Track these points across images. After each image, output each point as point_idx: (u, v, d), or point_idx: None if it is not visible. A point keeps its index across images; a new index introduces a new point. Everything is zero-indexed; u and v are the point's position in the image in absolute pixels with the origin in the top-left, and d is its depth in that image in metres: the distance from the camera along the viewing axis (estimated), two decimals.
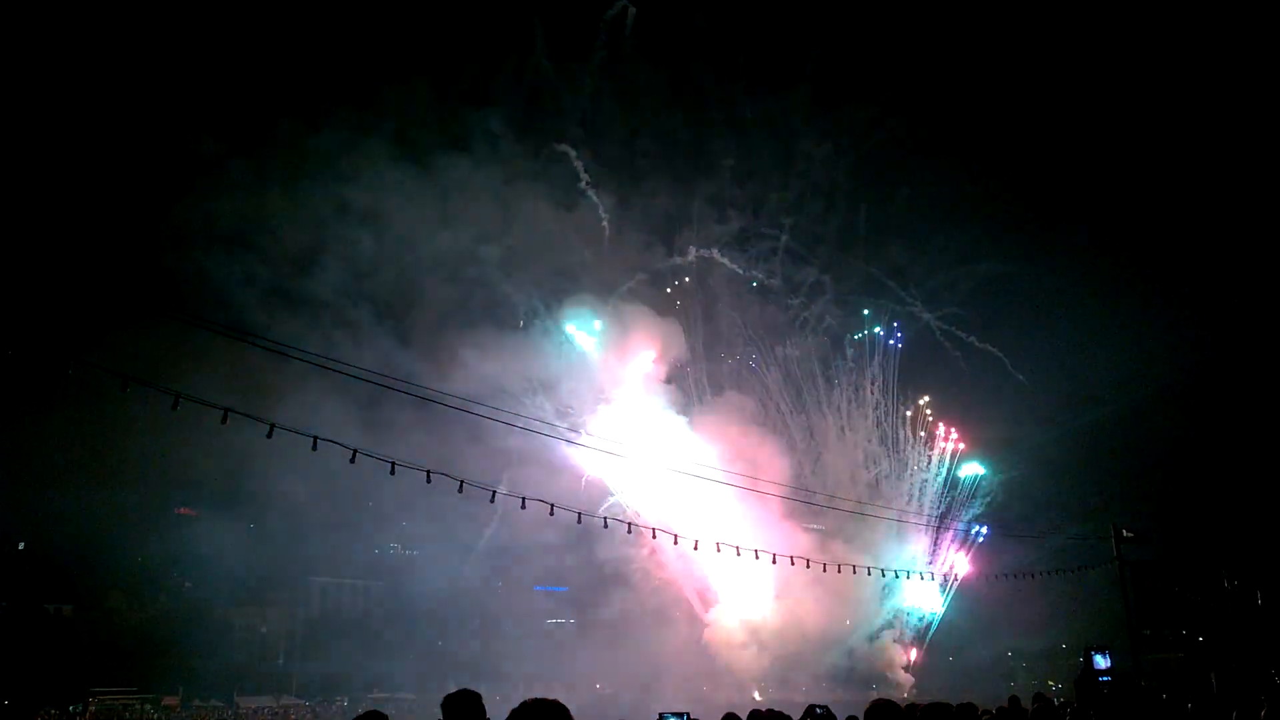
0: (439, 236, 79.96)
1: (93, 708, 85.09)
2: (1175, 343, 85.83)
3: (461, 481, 24.61)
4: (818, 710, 13.33)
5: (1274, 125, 79.50)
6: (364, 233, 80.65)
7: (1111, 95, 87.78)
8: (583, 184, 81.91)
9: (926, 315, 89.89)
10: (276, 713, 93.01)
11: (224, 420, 20.11)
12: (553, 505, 26.15)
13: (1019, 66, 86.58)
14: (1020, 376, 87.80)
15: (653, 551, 79.16)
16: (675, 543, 32.23)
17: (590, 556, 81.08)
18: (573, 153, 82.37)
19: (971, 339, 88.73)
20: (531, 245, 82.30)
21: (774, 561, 36.03)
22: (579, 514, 27.37)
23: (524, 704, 4.47)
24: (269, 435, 21.02)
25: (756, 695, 79.61)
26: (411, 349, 78.59)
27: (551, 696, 4.64)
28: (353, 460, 22.88)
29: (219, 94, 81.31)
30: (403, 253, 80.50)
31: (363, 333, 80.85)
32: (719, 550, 33.78)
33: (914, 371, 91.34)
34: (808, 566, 38.53)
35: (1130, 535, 31.11)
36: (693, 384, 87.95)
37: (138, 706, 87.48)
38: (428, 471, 23.98)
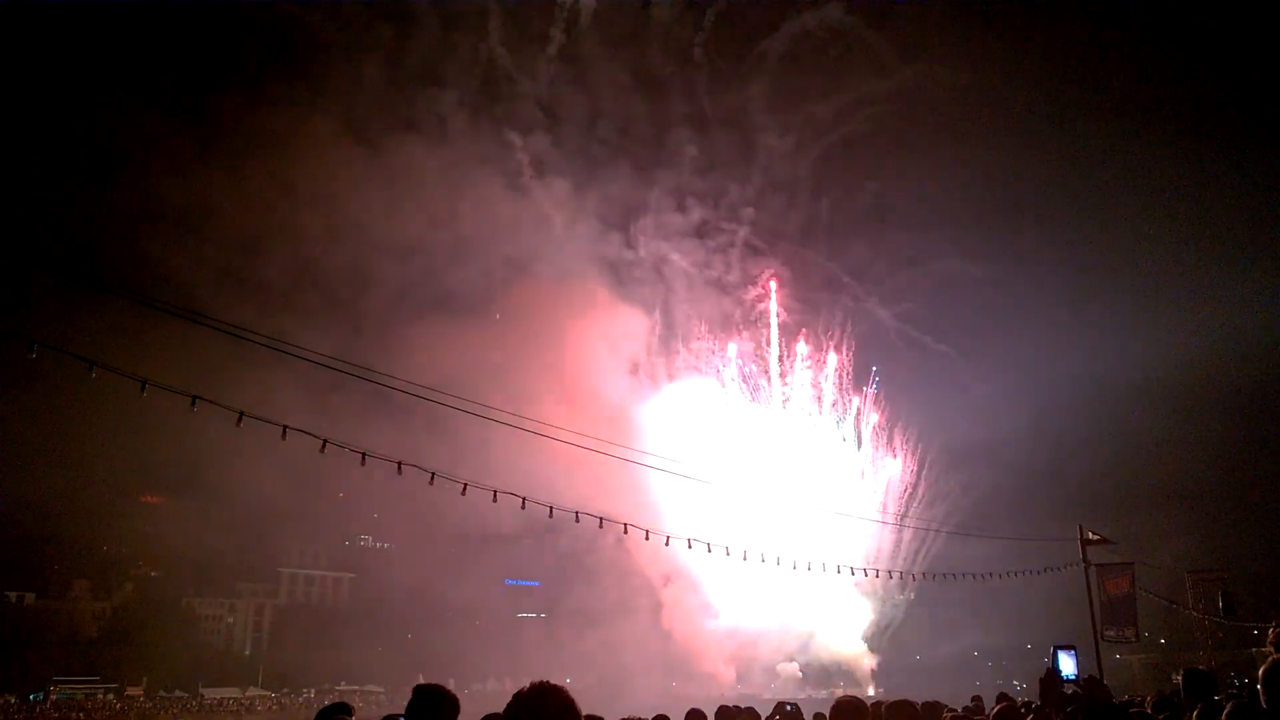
0: (390, 222, 78.34)
1: (54, 696, 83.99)
2: (1140, 345, 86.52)
3: (433, 474, 24.38)
4: (787, 707, 13.37)
5: (1232, 135, 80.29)
6: (312, 216, 78.55)
7: (1075, 96, 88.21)
8: (525, 179, 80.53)
9: (882, 312, 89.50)
10: (242, 704, 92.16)
11: (192, 406, 19.82)
12: (524, 499, 25.97)
13: (985, 66, 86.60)
14: (972, 376, 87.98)
15: (619, 540, 78.52)
16: (646, 538, 32.14)
17: (558, 545, 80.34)
18: (519, 142, 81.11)
19: (927, 338, 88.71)
20: (483, 231, 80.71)
21: (744, 558, 36.09)
22: (550, 508, 27.19)
23: (530, 687, 4.44)
24: (238, 423, 20.73)
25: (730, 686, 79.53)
26: (364, 336, 77.16)
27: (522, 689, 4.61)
28: (323, 450, 22.56)
29: (157, 66, 79.01)
30: (354, 238, 78.68)
31: (313, 318, 79.33)
32: (690, 547, 33.78)
33: (867, 369, 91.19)
34: (778, 564, 38.59)
35: (1096, 537, 31.39)
36: (650, 371, 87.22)
37: (100, 696, 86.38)
38: (399, 463, 23.72)
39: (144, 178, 76.50)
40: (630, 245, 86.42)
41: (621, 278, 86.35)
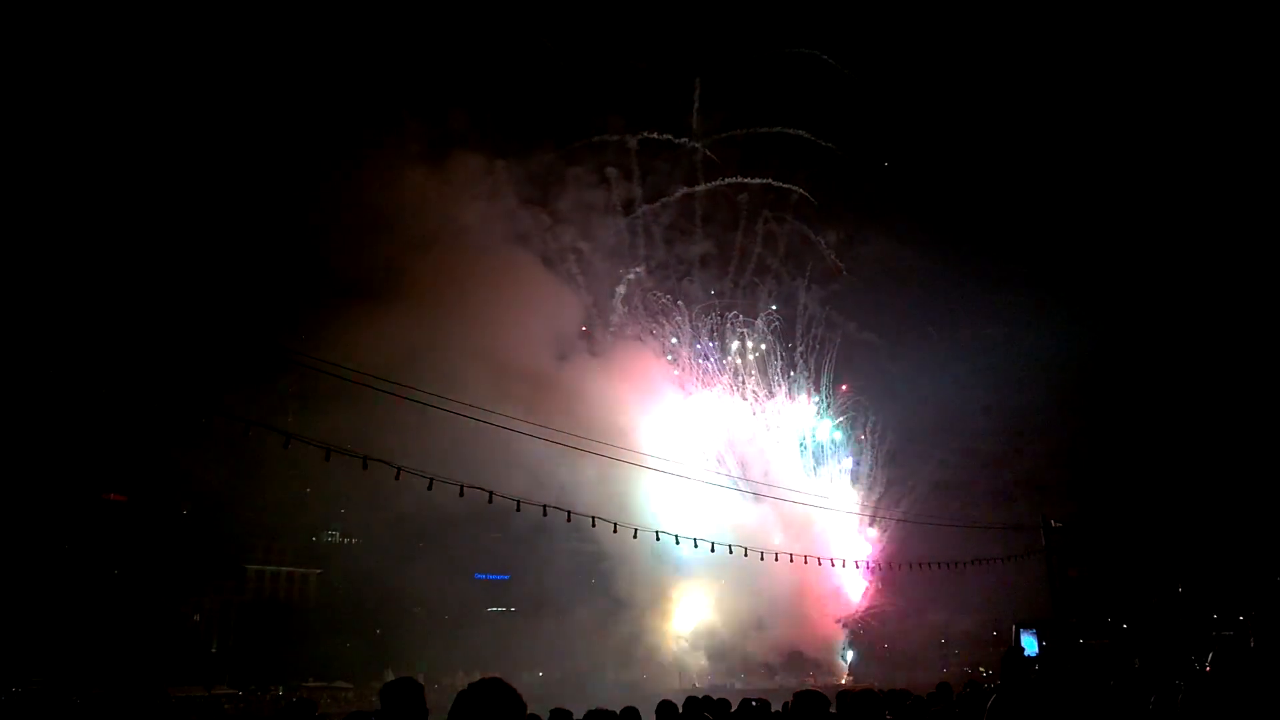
0: (295, 199, 74.92)
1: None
2: (1092, 336, 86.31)
3: (399, 468, 24.31)
4: (753, 704, 13.52)
5: (1178, 123, 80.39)
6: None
7: (1001, 90, 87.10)
8: (433, 153, 77.63)
9: (805, 297, 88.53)
10: (209, 702, 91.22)
11: (157, 404, 19.67)
12: (491, 493, 25.99)
13: (918, 60, 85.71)
14: (902, 364, 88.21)
15: (577, 525, 76.94)
16: (614, 531, 32.26)
17: (511, 528, 77.37)
18: (426, 116, 78.41)
19: (852, 325, 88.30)
20: (389, 210, 77.33)
21: (713, 549, 36.23)
22: (518, 502, 27.23)
23: (473, 685, 4.48)
24: (202, 420, 20.63)
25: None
26: (287, 323, 73.22)
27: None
28: (286, 446, 22.51)
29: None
30: (255, 219, 74.66)
31: (228, 305, 76.72)
32: (658, 539, 33.93)
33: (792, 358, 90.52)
34: (746, 554, 38.80)
35: (1059, 525, 31.93)
36: (582, 347, 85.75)
37: (63, 697, 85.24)
38: (364, 457, 23.70)
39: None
40: (549, 224, 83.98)
41: (542, 255, 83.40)
